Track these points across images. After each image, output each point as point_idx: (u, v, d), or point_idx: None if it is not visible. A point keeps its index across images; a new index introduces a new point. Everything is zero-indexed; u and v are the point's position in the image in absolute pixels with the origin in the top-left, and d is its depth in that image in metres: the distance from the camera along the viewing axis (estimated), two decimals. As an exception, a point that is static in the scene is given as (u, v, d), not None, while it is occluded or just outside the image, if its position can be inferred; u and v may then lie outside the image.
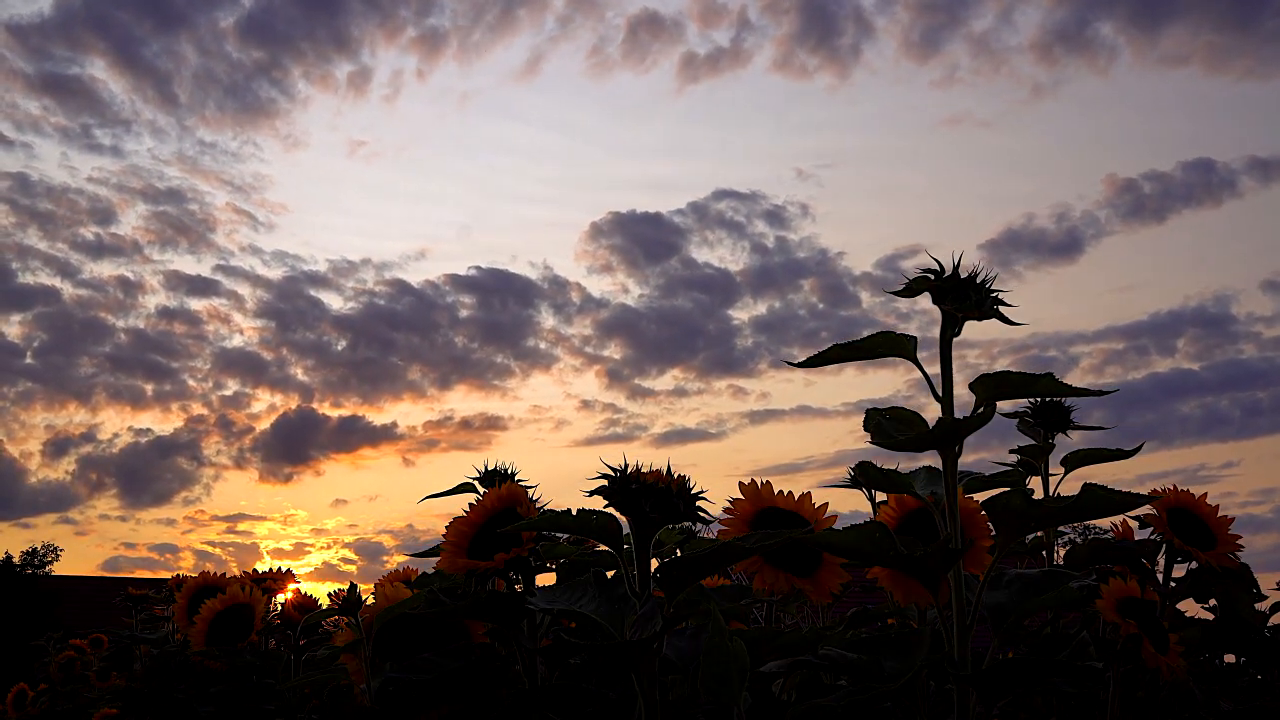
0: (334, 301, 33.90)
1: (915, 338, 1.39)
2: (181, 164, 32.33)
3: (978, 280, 1.34)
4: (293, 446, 29.20)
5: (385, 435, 30.17)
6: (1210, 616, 2.07)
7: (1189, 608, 2.01)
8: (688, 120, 34.40)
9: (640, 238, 32.61)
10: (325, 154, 34.71)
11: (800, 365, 1.45)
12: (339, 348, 31.75)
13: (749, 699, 1.43)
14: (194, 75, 30.01)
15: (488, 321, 32.12)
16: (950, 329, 1.37)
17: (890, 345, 1.40)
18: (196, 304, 32.05)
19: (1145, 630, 1.60)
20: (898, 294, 1.37)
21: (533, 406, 32.12)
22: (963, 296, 1.33)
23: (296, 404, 31.27)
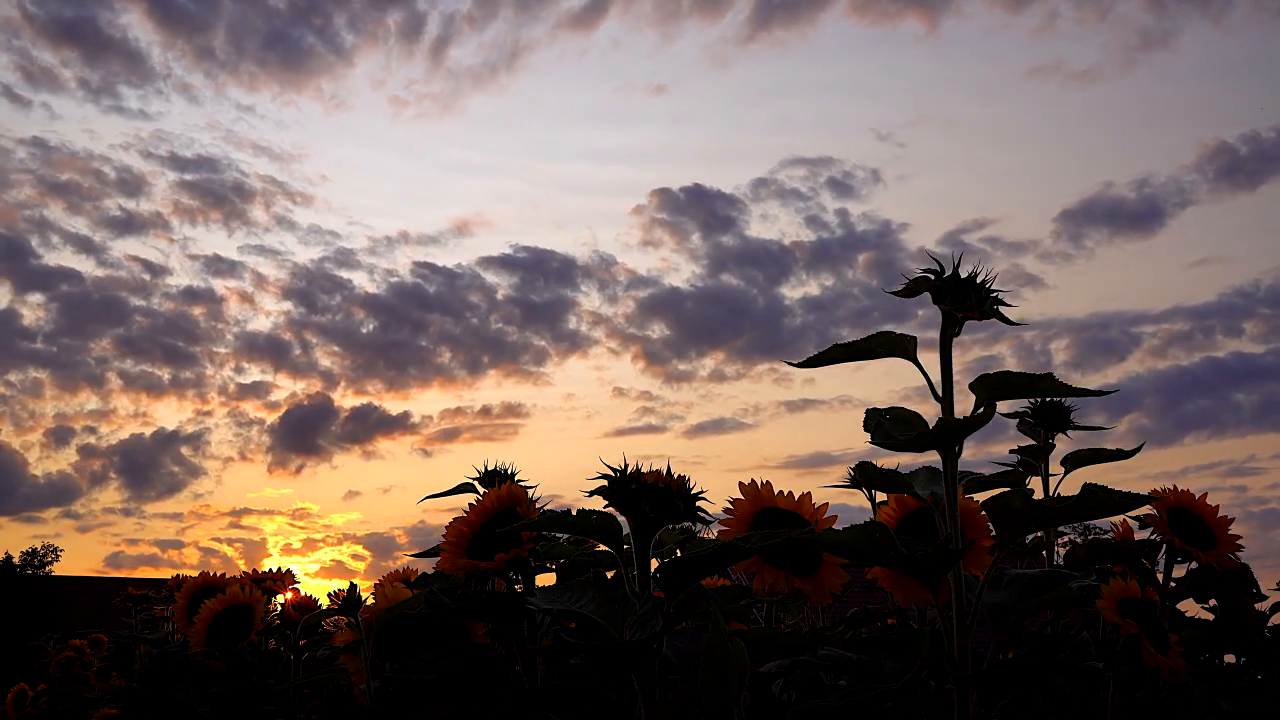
0: (365, 282, 31.69)
1: (915, 338, 1.39)
2: (214, 130, 30.49)
3: (978, 280, 1.34)
4: (306, 436, 27.95)
5: (405, 425, 28.81)
6: (1210, 616, 2.07)
7: (1189, 608, 2.01)
8: (756, 75, 31.12)
9: (695, 210, 30.25)
10: (367, 117, 31.95)
11: (799, 365, 1.45)
12: (366, 332, 29.90)
13: (749, 699, 1.43)
14: (230, 24, 27.88)
15: (524, 303, 30.13)
16: (950, 329, 1.37)
17: (890, 345, 1.40)
18: (221, 285, 30.39)
19: (1145, 630, 1.60)
20: (898, 294, 1.37)
21: (566, 394, 30.67)
22: (963, 297, 1.33)
23: (315, 392, 29.83)
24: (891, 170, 30.66)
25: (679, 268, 32.53)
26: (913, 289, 1.36)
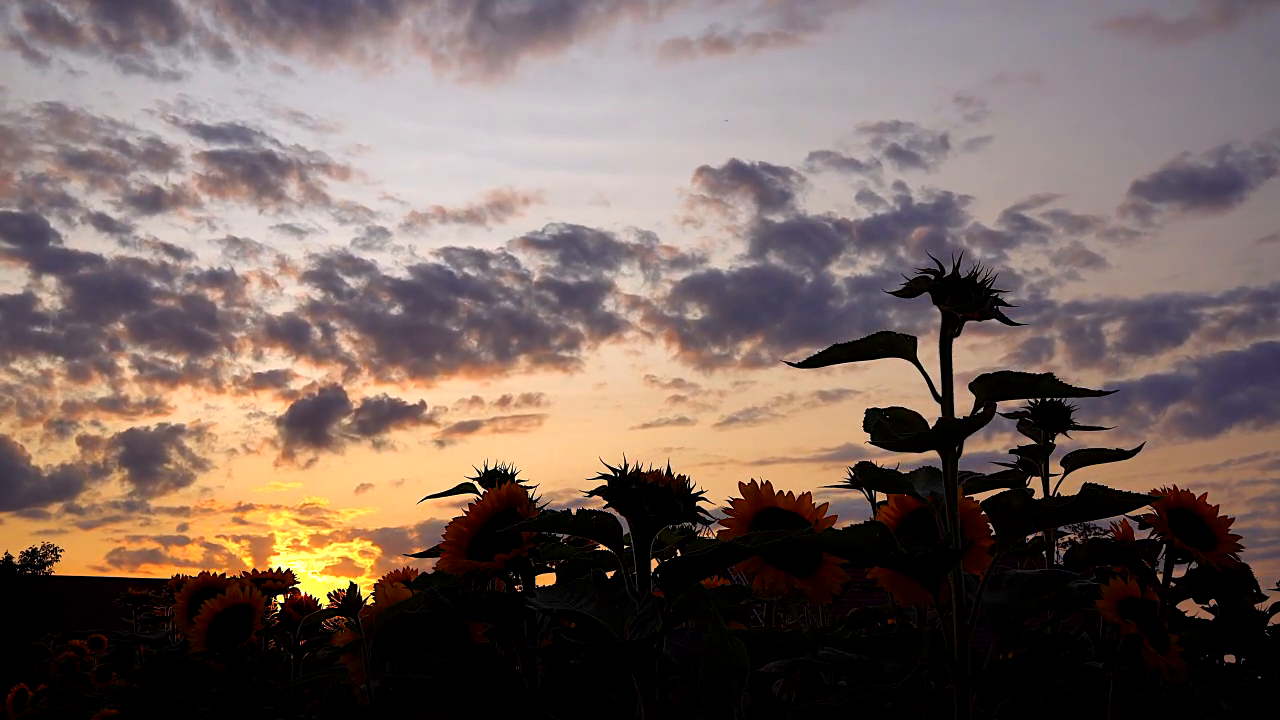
0: (392, 264, 29.67)
1: (915, 338, 1.39)
2: (245, 95, 28.58)
3: (978, 280, 1.34)
4: (319, 427, 26.39)
5: (423, 416, 27.05)
6: (1210, 616, 2.07)
7: (1189, 608, 2.02)
8: (823, 31, 28.02)
9: (745, 185, 27.90)
10: (409, 81, 29.25)
11: (798, 366, 1.45)
12: (390, 317, 27.75)
13: (749, 699, 1.43)
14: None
15: (558, 285, 27.94)
16: (950, 329, 1.37)
17: (890, 345, 1.40)
18: (242, 268, 28.29)
19: (1145, 630, 1.60)
20: (897, 294, 1.37)
21: (597, 384, 28.98)
22: (962, 297, 1.33)
23: (333, 382, 27.91)
24: (961, 135, 28.40)
25: (726, 245, 30.47)
26: (912, 289, 1.36)
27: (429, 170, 33.19)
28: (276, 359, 29.73)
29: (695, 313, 28.21)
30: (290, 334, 28.00)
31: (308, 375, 30.29)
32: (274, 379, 27.98)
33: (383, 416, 26.83)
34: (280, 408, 28.23)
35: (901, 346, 1.39)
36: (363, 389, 28.61)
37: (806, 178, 28.65)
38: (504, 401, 27.70)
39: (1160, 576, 1.84)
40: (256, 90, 29.14)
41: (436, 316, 27.86)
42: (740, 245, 29.51)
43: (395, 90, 30.08)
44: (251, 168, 27.46)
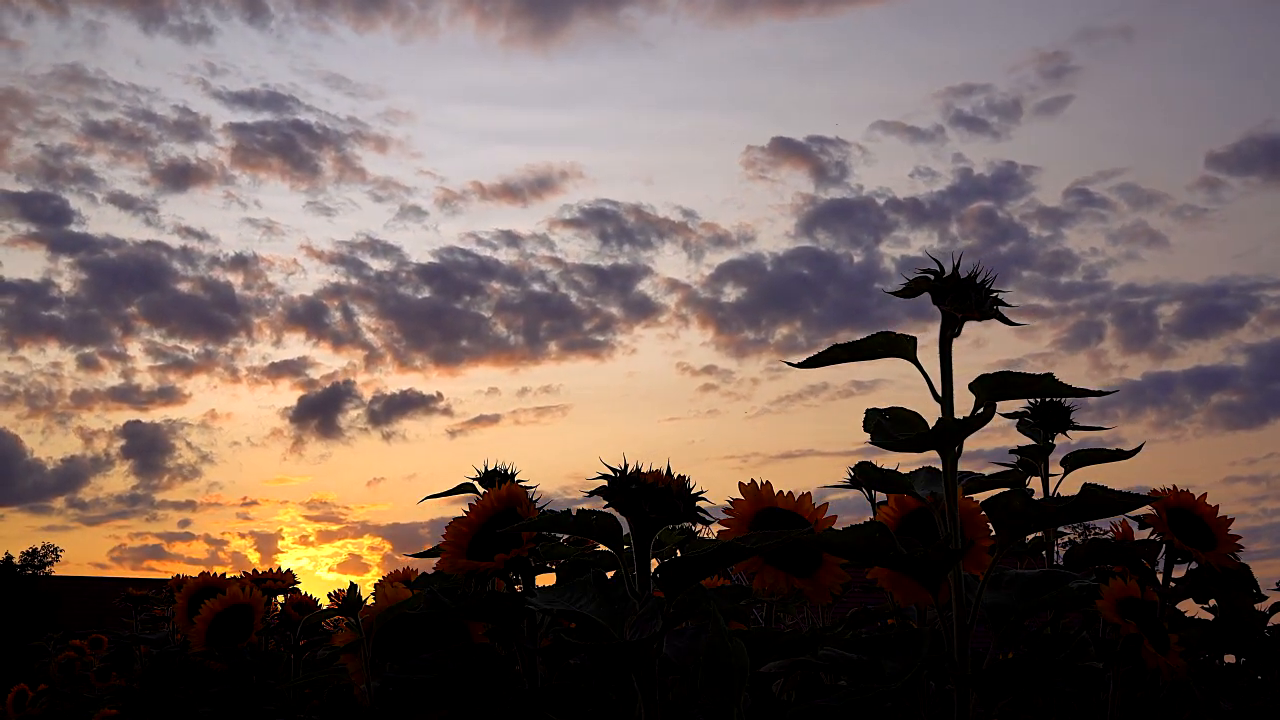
0: (420, 245, 28.85)
1: (915, 339, 1.39)
2: (279, 56, 27.36)
3: (978, 281, 1.34)
4: (330, 419, 25.91)
5: (442, 408, 26.47)
6: (1210, 616, 2.07)
7: (1189, 608, 2.02)
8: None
9: (798, 156, 26.86)
10: (453, 41, 28.06)
11: (798, 366, 1.45)
12: (415, 302, 26.78)
13: (749, 699, 1.43)
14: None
15: (593, 269, 27.02)
16: (950, 329, 1.37)
17: (890, 346, 1.40)
18: (262, 251, 27.47)
19: (1145, 630, 1.60)
20: (897, 294, 1.37)
21: (627, 373, 28.26)
22: (962, 297, 1.33)
23: (348, 374, 27.18)
24: (1035, 98, 26.87)
25: (773, 223, 29.61)
26: (912, 290, 1.36)
27: (467, 142, 32.12)
28: (295, 346, 28.95)
29: (733, 295, 27.10)
30: (310, 320, 27.14)
31: (327, 364, 29.28)
32: (291, 368, 27.27)
33: (399, 408, 26.27)
34: (296, 398, 27.54)
35: (901, 347, 1.39)
36: (384, 378, 27.94)
37: (867, 148, 27.44)
38: (526, 392, 27.32)
39: (1160, 576, 1.84)
40: (291, 51, 27.92)
41: (465, 301, 27.07)
42: (787, 223, 28.71)
43: (438, 53, 28.54)
44: (284, 137, 26.33)
